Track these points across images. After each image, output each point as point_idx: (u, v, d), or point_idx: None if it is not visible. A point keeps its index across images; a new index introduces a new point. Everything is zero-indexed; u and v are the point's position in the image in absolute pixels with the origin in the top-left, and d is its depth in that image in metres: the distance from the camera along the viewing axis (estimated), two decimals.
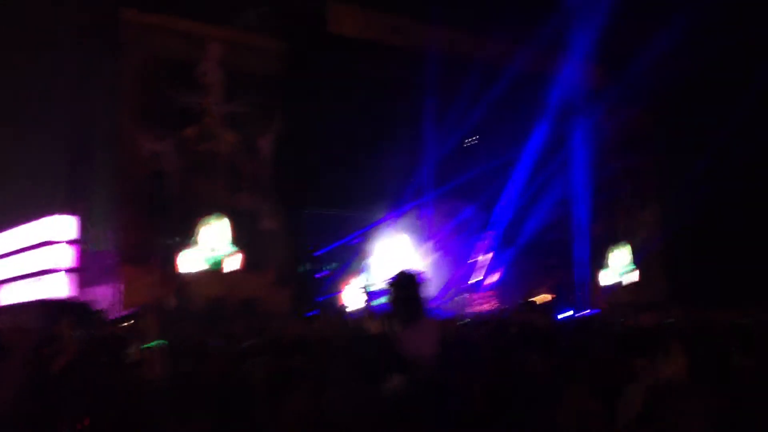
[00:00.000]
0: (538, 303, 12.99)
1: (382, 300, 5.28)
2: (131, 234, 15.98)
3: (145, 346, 3.10)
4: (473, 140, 20.72)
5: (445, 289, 20.14)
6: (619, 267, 23.14)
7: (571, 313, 15.10)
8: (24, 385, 2.23)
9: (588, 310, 17.57)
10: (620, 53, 19.30)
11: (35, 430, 1.93)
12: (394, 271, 5.12)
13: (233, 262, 17.02)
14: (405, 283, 4.95)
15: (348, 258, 18.87)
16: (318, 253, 18.80)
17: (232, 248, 17.00)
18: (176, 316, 13.29)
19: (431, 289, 4.93)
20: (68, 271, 16.92)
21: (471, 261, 20.76)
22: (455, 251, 20.52)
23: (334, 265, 18.91)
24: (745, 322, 7.00)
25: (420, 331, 4.83)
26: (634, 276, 22.98)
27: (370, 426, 2.82)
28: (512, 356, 4.81)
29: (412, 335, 4.80)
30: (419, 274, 5.08)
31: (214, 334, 7.32)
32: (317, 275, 18.70)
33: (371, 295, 5.59)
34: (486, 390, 3.80)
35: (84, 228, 17.49)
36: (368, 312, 5.68)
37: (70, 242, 16.95)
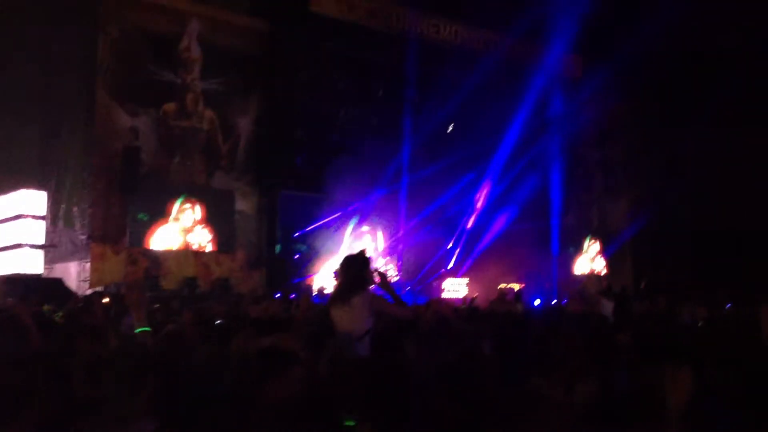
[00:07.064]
0: (507, 291, 13.12)
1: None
2: (102, 211, 15.76)
3: (140, 329, 3.12)
4: (451, 128, 20.71)
5: (418, 275, 20.22)
6: (590, 258, 23.43)
7: (539, 302, 15.29)
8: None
9: (555, 300, 17.77)
10: (600, 45, 19.39)
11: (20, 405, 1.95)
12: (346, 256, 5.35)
13: (206, 242, 16.95)
14: (345, 266, 5.20)
15: (322, 241, 18.81)
16: (294, 235, 18.73)
17: (205, 228, 16.93)
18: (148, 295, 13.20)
19: (379, 267, 5.23)
20: (37, 246, 16.68)
21: (445, 248, 20.82)
22: (430, 238, 20.56)
23: (307, 247, 18.83)
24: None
25: (349, 310, 5.02)
26: (604, 267, 23.30)
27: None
28: (478, 343, 4.87)
29: (341, 314, 5.04)
30: (361, 255, 5.32)
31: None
32: (292, 257, 18.62)
33: None
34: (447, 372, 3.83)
35: (54, 203, 17.25)
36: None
37: (40, 217, 16.69)
